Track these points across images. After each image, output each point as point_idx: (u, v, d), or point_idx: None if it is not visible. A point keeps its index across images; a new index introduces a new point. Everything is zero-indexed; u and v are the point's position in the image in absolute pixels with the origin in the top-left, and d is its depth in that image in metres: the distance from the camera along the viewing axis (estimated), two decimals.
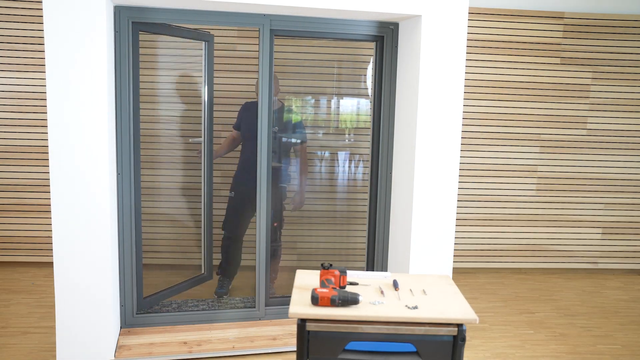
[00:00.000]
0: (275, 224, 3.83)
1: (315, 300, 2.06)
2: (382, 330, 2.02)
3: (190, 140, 3.80)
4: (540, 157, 4.74)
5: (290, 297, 2.59)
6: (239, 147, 3.99)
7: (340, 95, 4.66)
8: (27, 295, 3.93)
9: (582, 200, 4.83)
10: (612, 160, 4.80)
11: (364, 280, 2.42)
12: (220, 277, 3.98)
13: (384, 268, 3.56)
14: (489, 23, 4.56)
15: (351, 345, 2.05)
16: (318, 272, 2.42)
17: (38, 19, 4.25)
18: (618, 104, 4.73)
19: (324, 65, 4.54)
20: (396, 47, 3.35)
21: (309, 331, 2.03)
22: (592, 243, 4.88)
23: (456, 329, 2.03)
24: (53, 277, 3.32)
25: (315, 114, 4.69)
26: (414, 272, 3.22)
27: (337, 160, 4.66)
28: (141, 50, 3.16)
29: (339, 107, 4.67)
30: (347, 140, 4.70)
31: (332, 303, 2.06)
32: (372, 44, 3.44)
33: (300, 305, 2.08)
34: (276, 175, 3.84)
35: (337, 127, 4.69)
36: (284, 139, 3.96)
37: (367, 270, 3.62)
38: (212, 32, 4.34)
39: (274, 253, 3.86)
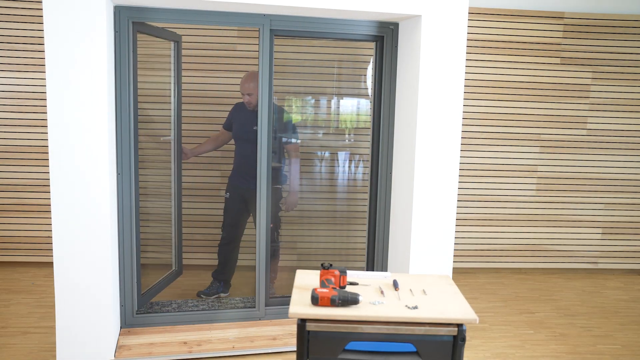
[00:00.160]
0: (271, 225, 3.83)
1: (315, 300, 2.06)
2: (382, 330, 2.02)
3: (161, 139, 3.80)
4: (540, 157, 4.74)
5: (290, 297, 2.59)
6: (233, 148, 3.98)
7: (340, 96, 4.66)
8: (27, 295, 3.93)
9: (582, 200, 4.83)
10: (612, 160, 4.80)
11: (364, 280, 2.42)
12: (213, 280, 3.95)
13: (384, 268, 3.55)
14: (489, 23, 4.56)
15: (351, 345, 2.05)
16: (318, 272, 2.42)
17: (38, 19, 4.25)
18: (618, 104, 4.73)
19: (324, 65, 4.54)
20: (396, 47, 3.35)
21: (309, 331, 2.03)
22: (592, 243, 4.88)
23: (456, 329, 2.03)
24: (53, 277, 3.32)
25: (315, 114, 4.69)
26: (414, 272, 3.22)
27: (337, 160, 4.66)
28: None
29: (339, 107, 4.67)
30: (347, 140, 4.70)
31: (332, 303, 2.06)
32: (372, 44, 3.43)
33: (300, 305, 2.08)
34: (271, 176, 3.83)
35: (337, 127, 4.69)
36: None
37: (367, 270, 3.62)
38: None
39: (272, 254, 3.86)
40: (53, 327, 3.37)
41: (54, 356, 3.02)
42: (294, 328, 3.36)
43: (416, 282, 2.42)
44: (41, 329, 3.38)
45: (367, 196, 3.58)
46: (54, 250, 2.82)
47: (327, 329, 2.03)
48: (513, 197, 4.77)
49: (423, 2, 3.03)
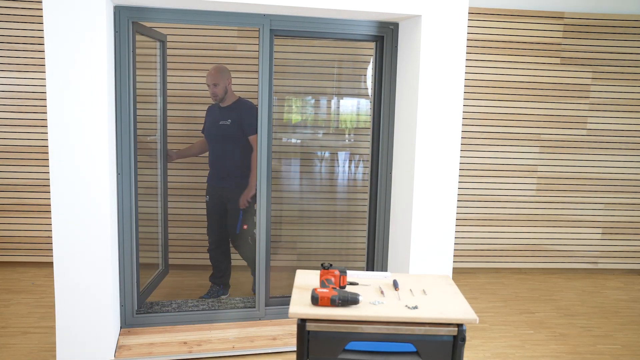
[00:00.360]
0: (244, 227, 3.76)
1: (315, 300, 2.06)
2: (382, 330, 2.02)
3: (148, 138, 3.80)
4: (540, 157, 4.74)
5: (290, 297, 2.59)
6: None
7: (340, 96, 4.66)
8: (27, 295, 3.93)
9: (582, 200, 4.83)
10: (612, 160, 4.80)
11: (364, 280, 2.42)
12: (212, 285, 3.94)
13: (384, 268, 3.55)
14: (489, 23, 4.56)
15: (351, 345, 2.05)
16: (318, 272, 2.42)
17: (38, 19, 4.25)
18: (618, 104, 4.73)
19: (324, 65, 4.54)
20: (396, 47, 3.35)
21: (309, 331, 2.03)
22: (592, 243, 4.88)
23: (456, 329, 2.03)
24: (53, 277, 3.32)
25: (315, 114, 4.69)
26: (414, 272, 3.22)
27: (337, 160, 4.67)
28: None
29: (339, 107, 4.67)
30: (347, 141, 4.70)
31: (332, 303, 2.06)
32: (372, 44, 3.43)
33: (300, 305, 2.08)
34: (243, 174, 3.76)
35: (337, 127, 4.69)
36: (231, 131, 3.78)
37: (367, 270, 3.62)
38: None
39: (252, 259, 3.74)
40: (53, 327, 3.37)
41: (54, 356, 3.02)
42: (294, 328, 3.36)
43: (416, 282, 2.42)
44: (41, 329, 3.38)
45: (367, 196, 3.58)
46: (54, 250, 2.82)
47: (327, 329, 2.03)
48: (513, 197, 4.77)
49: (423, 2, 3.03)
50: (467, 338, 3.45)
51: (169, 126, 4.04)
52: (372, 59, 3.50)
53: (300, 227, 4.68)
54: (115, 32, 2.95)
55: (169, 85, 4.07)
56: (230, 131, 3.72)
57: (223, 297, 3.88)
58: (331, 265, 2.26)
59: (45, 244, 4.46)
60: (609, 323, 3.82)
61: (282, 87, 4.54)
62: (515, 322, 3.77)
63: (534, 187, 4.78)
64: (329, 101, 4.67)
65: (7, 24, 4.25)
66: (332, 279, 2.22)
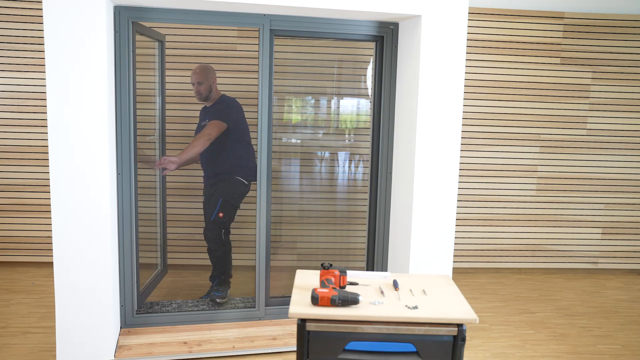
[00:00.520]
0: (221, 215, 3.66)
1: (315, 300, 2.06)
2: (382, 330, 2.02)
3: (147, 138, 3.80)
4: (540, 157, 4.74)
5: (290, 297, 2.59)
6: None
7: (340, 96, 4.66)
8: (27, 295, 3.93)
9: (582, 200, 4.83)
10: (612, 160, 4.80)
11: (364, 280, 2.42)
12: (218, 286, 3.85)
13: (384, 268, 3.55)
14: (489, 23, 4.56)
15: (351, 345, 2.05)
16: (318, 272, 2.42)
17: (38, 19, 4.25)
18: (618, 104, 4.73)
19: (324, 65, 4.54)
20: (396, 47, 3.35)
21: (309, 331, 2.03)
22: (592, 243, 4.88)
23: (456, 329, 2.03)
24: (53, 277, 3.32)
25: (315, 114, 4.69)
26: (414, 272, 3.22)
27: (337, 160, 4.67)
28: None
29: (339, 107, 4.67)
30: (347, 141, 4.70)
31: (332, 303, 2.06)
32: (372, 44, 3.43)
33: (300, 305, 2.08)
34: (228, 169, 3.71)
35: (337, 127, 4.69)
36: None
37: (367, 270, 3.62)
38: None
39: (217, 254, 3.70)
40: (53, 327, 3.37)
41: (54, 356, 3.02)
42: (294, 328, 3.36)
43: (416, 282, 2.42)
44: (41, 329, 3.38)
45: (367, 196, 3.58)
46: (54, 250, 2.82)
47: (327, 329, 2.03)
48: (513, 197, 4.77)
49: (423, 2, 3.03)
50: (467, 338, 3.45)
51: (167, 126, 4.04)
52: (372, 59, 3.50)
53: (300, 227, 4.68)
54: (115, 32, 2.95)
55: (167, 85, 4.07)
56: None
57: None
58: (331, 265, 2.26)
59: (45, 244, 4.46)
60: (609, 323, 3.82)
61: (282, 87, 4.54)
62: (516, 322, 3.77)
63: (534, 187, 4.78)
64: (329, 101, 4.67)
65: (7, 24, 4.25)
66: (332, 279, 2.22)
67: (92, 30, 2.72)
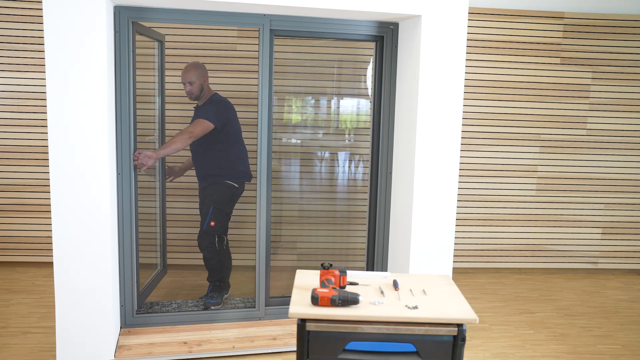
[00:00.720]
0: (212, 223, 3.57)
1: (315, 300, 2.06)
2: (382, 330, 2.02)
3: (146, 138, 3.79)
4: (540, 157, 4.74)
5: (290, 297, 2.59)
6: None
7: (340, 96, 4.66)
8: (27, 295, 3.93)
9: (582, 200, 4.83)
10: (612, 160, 4.80)
11: (364, 280, 2.42)
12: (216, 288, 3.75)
13: (384, 268, 3.55)
14: (489, 23, 4.56)
15: (351, 345, 2.05)
16: (318, 272, 2.42)
17: (38, 19, 4.25)
18: (618, 104, 4.73)
19: (324, 65, 4.54)
20: (396, 47, 3.35)
21: (309, 331, 2.03)
22: (592, 243, 4.88)
23: (456, 329, 2.03)
24: (53, 277, 3.32)
25: (315, 114, 4.69)
26: (414, 272, 3.22)
27: (337, 160, 4.67)
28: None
29: (339, 107, 4.67)
30: (347, 141, 4.70)
31: (332, 303, 2.06)
32: (372, 44, 3.43)
33: (300, 305, 2.08)
34: (218, 171, 3.63)
35: (337, 127, 4.69)
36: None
37: (367, 270, 3.62)
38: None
39: (211, 262, 3.64)
40: (53, 327, 3.37)
41: (54, 356, 3.02)
42: (294, 328, 3.36)
43: (416, 282, 2.42)
44: (41, 329, 3.38)
45: (367, 196, 3.58)
46: (54, 250, 2.83)
47: (327, 329, 2.03)
48: (513, 197, 4.77)
49: (423, 2, 3.03)
50: (467, 338, 3.45)
51: (167, 126, 4.04)
52: (372, 59, 3.50)
53: (300, 227, 4.68)
54: (115, 32, 2.95)
55: (167, 86, 4.07)
56: None
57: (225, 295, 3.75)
58: (331, 265, 2.26)
59: (45, 244, 4.46)
60: (609, 323, 3.82)
61: (282, 87, 4.54)
62: (515, 322, 3.77)
63: (534, 187, 4.78)
64: (329, 101, 4.67)
65: (7, 24, 4.25)
66: (332, 279, 2.22)
67: (92, 30, 2.72)
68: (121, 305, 3.19)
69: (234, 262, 4.01)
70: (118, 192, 3.06)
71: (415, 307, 2.10)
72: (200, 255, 3.74)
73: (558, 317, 3.89)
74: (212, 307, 3.53)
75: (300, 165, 4.64)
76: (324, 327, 2.03)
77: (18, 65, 4.29)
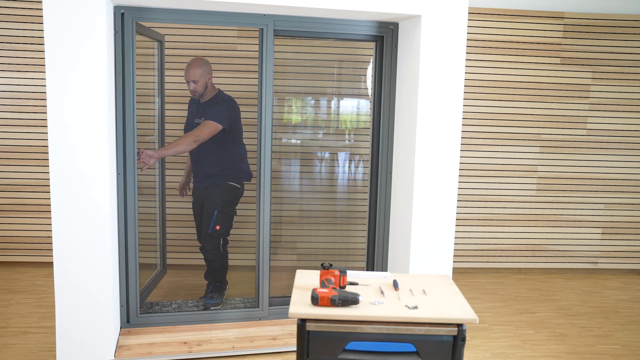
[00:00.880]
0: (217, 227, 3.54)
1: (315, 300, 2.06)
2: (382, 330, 2.02)
3: (146, 138, 3.78)
4: (540, 157, 4.74)
5: (290, 297, 2.59)
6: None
7: (340, 96, 4.66)
8: (27, 295, 3.93)
9: (582, 200, 4.83)
10: (612, 160, 4.80)
11: (364, 280, 2.42)
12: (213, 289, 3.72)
13: (384, 268, 3.55)
14: (489, 23, 4.56)
15: (351, 345, 2.05)
16: (318, 272, 2.42)
17: (38, 19, 4.25)
18: (618, 104, 4.73)
19: (324, 65, 4.54)
20: (396, 47, 3.35)
21: (309, 331, 2.03)
22: (592, 243, 4.88)
23: (456, 329, 2.03)
24: (53, 277, 3.32)
25: (315, 114, 4.69)
26: (414, 272, 3.22)
27: (337, 160, 4.67)
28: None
29: (339, 108, 4.67)
30: (347, 141, 4.70)
31: (332, 303, 2.06)
32: (372, 44, 3.43)
33: (300, 305, 2.08)
34: (220, 172, 3.57)
35: (337, 128, 4.69)
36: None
37: (367, 270, 3.62)
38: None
39: (214, 264, 3.62)
40: (53, 327, 3.37)
41: (54, 356, 3.02)
42: (294, 328, 3.36)
43: (416, 282, 2.42)
44: (41, 329, 3.38)
45: (367, 196, 3.58)
46: (54, 250, 2.83)
47: (327, 329, 2.03)
48: (513, 197, 4.77)
49: (423, 2, 3.03)
50: (467, 338, 3.45)
51: (166, 126, 4.04)
52: (372, 59, 3.50)
53: (300, 227, 4.68)
54: (116, 32, 2.95)
55: (167, 86, 4.07)
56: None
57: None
58: (331, 265, 2.26)
59: (45, 244, 4.46)
60: (609, 323, 3.82)
61: (282, 87, 4.53)
62: (515, 322, 3.77)
63: (534, 187, 4.78)
64: (329, 101, 4.67)
65: (7, 24, 4.25)
66: (332, 279, 2.22)
67: (92, 30, 2.72)
68: (121, 305, 3.19)
69: (234, 262, 4.01)
70: (118, 192, 3.07)
71: (415, 307, 2.10)
72: (200, 255, 3.73)
73: (558, 317, 3.89)
74: (212, 308, 3.52)
75: (301, 166, 4.64)
76: (324, 327, 2.03)
77: (18, 65, 4.29)
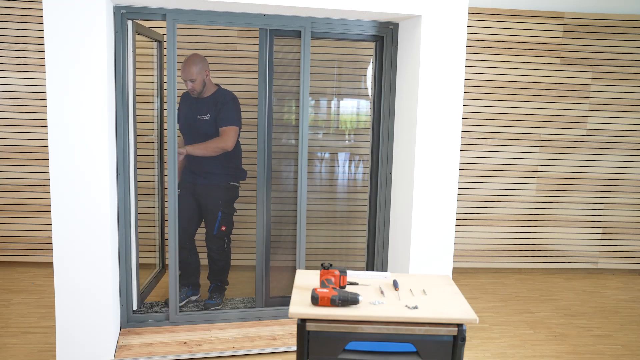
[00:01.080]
0: (223, 228, 3.53)
1: (315, 300, 2.06)
2: (382, 330, 2.02)
3: (145, 138, 3.78)
4: (540, 157, 4.74)
5: (290, 297, 2.59)
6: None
7: (341, 96, 4.66)
8: (27, 295, 3.93)
9: (582, 200, 4.83)
10: (612, 160, 4.80)
11: (364, 280, 2.42)
12: (180, 286, 3.61)
13: (384, 268, 3.55)
14: (489, 23, 4.56)
15: (351, 345, 2.05)
16: (318, 272, 2.42)
17: (38, 19, 4.25)
18: (618, 104, 4.73)
19: (324, 65, 4.54)
20: (396, 47, 3.35)
21: (309, 331, 2.03)
22: (592, 243, 4.88)
23: (456, 329, 2.03)
24: (53, 277, 3.32)
25: (315, 114, 4.69)
26: (414, 272, 3.22)
27: (337, 160, 4.66)
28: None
29: (339, 108, 4.67)
30: (347, 141, 4.70)
31: (332, 303, 2.06)
32: (372, 44, 3.43)
33: (300, 305, 2.08)
34: (219, 171, 3.52)
35: (337, 128, 4.69)
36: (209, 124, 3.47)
37: (367, 270, 3.62)
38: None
39: (219, 264, 3.61)
40: (53, 327, 3.37)
41: (54, 356, 3.02)
42: (294, 328, 3.36)
43: (416, 282, 2.42)
44: (41, 329, 3.38)
45: (367, 196, 3.58)
46: (54, 250, 2.83)
47: (327, 329, 2.03)
48: (513, 197, 4.77)
49: (423, 2, 3.03)
50: (467, 338, 3.45)
51: (165, 126, 4.03)
52: (372, 59, 3.50)
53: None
54: (116, 32, 2.95)
55: (165, 85, 4.06)
56: (210, 126, 3.43)
57: (193, 297, 3.67)
58: (331, 265, 2.26)
59: (45, 244, 4.46)
60: (609, 323, 3.82)
61: (282, 87, 4.53)
62: (515, 322, 3.77)
63: (534, 187, 4.78)
64: (329, 102, 4.67)
65: (7, 24, 4.25)
66: (332, 279, 2.22)
67: (92, 30, 2.72)
68: (121, 305, 3.19)
69: (234, 262, 4.01)
70: (118, 192, 3.07)
71: (415, 307, 2.10)
72: (200, 255, 3.73)
73: (558, 317, 3.89)
74: (212, 308, 3.52)
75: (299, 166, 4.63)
76: (324, 327, 2.03)
77: (18, 65, 4.29)
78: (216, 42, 4.39)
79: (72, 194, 2.80)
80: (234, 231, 3.92)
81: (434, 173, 3.18)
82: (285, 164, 4.66)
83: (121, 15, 2.95)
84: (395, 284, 2.31)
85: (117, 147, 3.04)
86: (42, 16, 4.15)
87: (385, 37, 3.34)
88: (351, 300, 2.07)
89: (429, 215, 3.20)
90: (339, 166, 4.67)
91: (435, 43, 3.08)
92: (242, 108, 3.78)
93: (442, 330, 2.03)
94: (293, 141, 4.54)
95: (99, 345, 2.92)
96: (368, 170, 3.57)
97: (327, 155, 4.65)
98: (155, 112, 3.83)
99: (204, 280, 3.80)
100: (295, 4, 2.90)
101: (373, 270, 3.58)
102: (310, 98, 3.41)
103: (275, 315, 3.49)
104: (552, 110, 4.69)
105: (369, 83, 4.52)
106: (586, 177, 4.81)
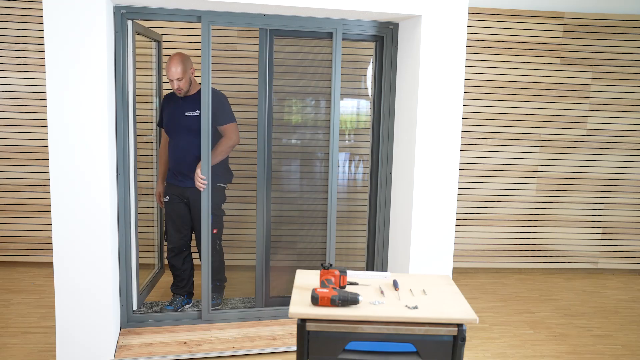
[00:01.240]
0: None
1: (315, 300, 2.06)
2: (382, 330, 2.02)
3: (144, 138, 3.77)
4: (540, 157, 4.74)
5: (290, 297, 2.59)
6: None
7: (340, 96, 4.65)
8: (27, 295, 3.93)
9: (582, 200, 4.83)
10: (612, 160, 4.80)
11: (364, 280, 2.42)
12: (174, 295, 3.64)
13: (384, 268, 3.55)
14: (489, 23, 4.56)
15: (351, 345, 2.05)
16: (318, 272, 2.42)
17: (38, 19, 4.25)
18: (618, 104, 4.73)
19: (324, 65, 4.53)
20: (396, 47, 3.35)
21: (309, 331, 2.03)
22: (592, 243, 4.88)
23: (456, 329, 2.03)
24: (53, 277, 3.32)
25: (315, 114, 4.69)
26: (414, 272, 3.22)
27: (337, 160, 4.65)
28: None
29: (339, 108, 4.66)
30: (347, 141, 4.69)
31: (332, 303, 2.06)
32: (372, 44, 3.43)
33: (300, 305, 2.08)
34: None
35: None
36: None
37: (367, 270, 3.62)
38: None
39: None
40: (53, 327, 3.37)
41: (54, 356, 3.02)
42: (294, 328, 3.36)
43: (416, 282, 2.42)
44: (41, 329, 3.38)
45: (367, 196, 3.58)
46: (54, 250, 2.83)
47: (327, 329, 2.03)
48: (513, 197, 4.77)
49: (423, 2, 3.03)
50: (467, 338, 3.45)
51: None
52: (372, 59, 3.49)
53: (300, 227, 4.67)
54: (116, 32, 2.95)
55: (164, 86, 4.07)
56: (198, 122, 3.30)
57: (187, 306, 3.61)
58: (331, 265, 2.26)
59: (45, 244, 4.46)
60: (609, 323, 3.82)
61: (282, 87, 4.53)
62: (515, 322, 3.77)
63: (534, 187, 4.78)
64: (329, 101, 4.66)
65: (7, 24, 4.25)
66: (332, 279, 2.22)
67: (92, 30, 2.72)
68: (121, 305, 3.19)
69: (234, 262, 4.01)
70: (118, 192, 3.06)
71: (415, 307, 2.10)
72: (195, 255, 3.72)
73: (558, 317, 3.89)
74: (212, 307, 3.52)
75: (300, 166, 4.64)
76: (324, 327, 2.03)
77: (18, 65, 4.29)
78: (216, 42, 4.39)
79: (72, 194, 2.80)
80: (234, 231, 3.93)
81: (434, 173, 3.18)
82: (285, 164, 4.66)
83: (121, 15, 2.95)
84: (395, 284, 2.31)
85: (117, 147, 3.04)
86: (42, 16, 4.14)
87: (385, 37, 3.34)
88: (351, 300, 2.07)
89: (429, 215, 3.20)
90: (339, 166, 4.67)
91: (435, 43, 3.08)
92: (242, 108, 3.79)
93: (442, 330, 2.03)
94: (293, 141, 4.54)
95: (99, 345, 2.92)
96: (368, 170, 3.57)
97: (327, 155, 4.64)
98: (154, 112, 3.83)
99: (199, 281, 3.78)
100: (295, 4, 2.90)
101: (373, 270, 3.58)
102: (310, 98, 3.41)
103: (275, 315, 3.49)
104: (552, 110, 4.69)
105: (369, 83, 4.52)
106: (586, 177, 4.81)
